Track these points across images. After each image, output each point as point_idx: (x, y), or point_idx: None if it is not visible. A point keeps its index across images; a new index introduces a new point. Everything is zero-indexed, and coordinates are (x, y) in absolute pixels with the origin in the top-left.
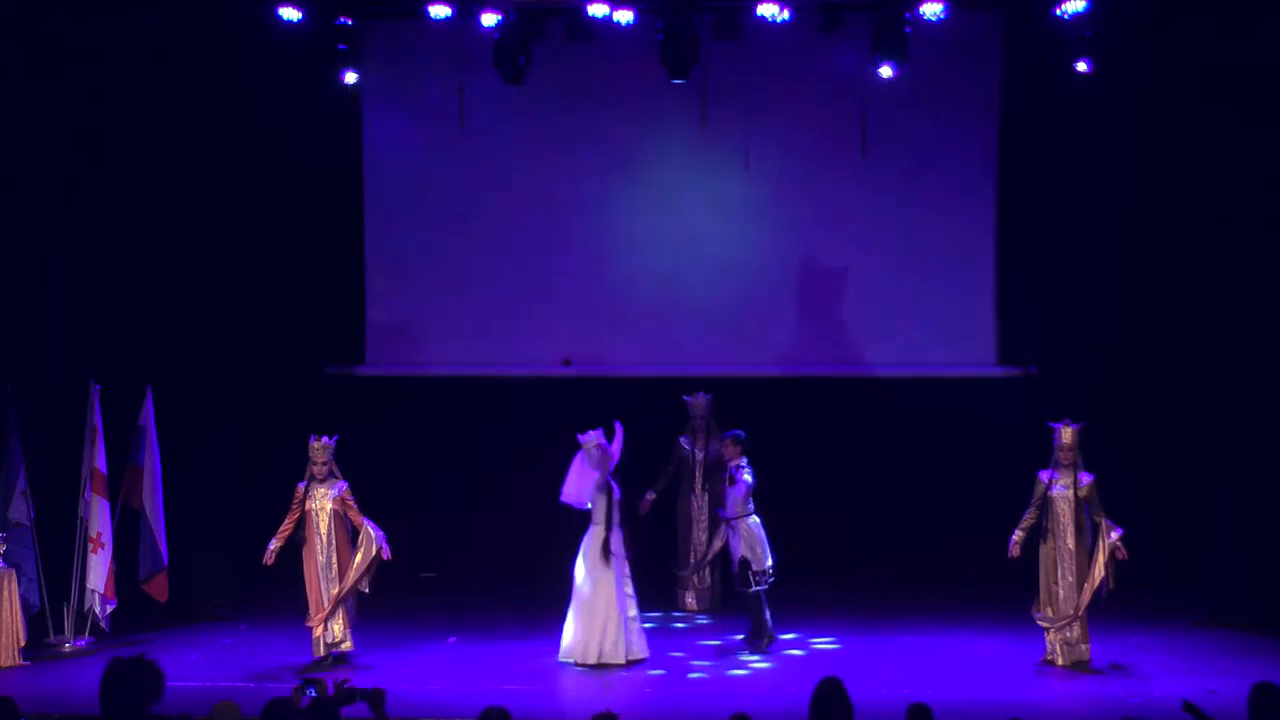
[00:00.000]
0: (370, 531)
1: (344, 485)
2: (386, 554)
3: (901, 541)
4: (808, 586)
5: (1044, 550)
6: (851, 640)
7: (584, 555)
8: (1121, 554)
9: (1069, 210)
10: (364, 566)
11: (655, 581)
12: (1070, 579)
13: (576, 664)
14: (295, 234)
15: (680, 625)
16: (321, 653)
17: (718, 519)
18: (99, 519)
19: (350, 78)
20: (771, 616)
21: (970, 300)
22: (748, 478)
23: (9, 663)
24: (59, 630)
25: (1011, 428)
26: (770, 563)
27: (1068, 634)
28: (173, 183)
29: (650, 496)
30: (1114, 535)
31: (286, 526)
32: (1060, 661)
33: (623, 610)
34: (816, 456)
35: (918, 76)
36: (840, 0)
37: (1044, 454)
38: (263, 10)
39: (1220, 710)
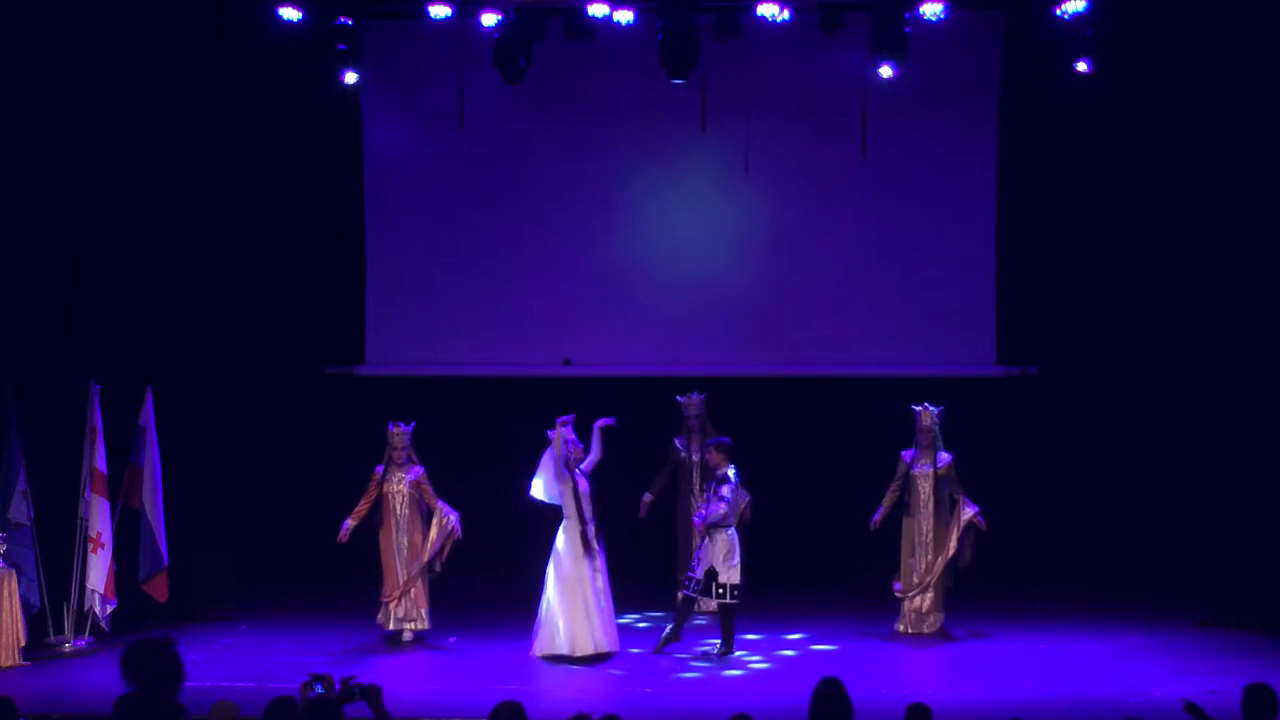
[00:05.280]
0: (444, 513)
1: (421, 470)
2: (459, 534)
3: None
4: (808, 586)
5: (905, 525)
6: (851, 640)
7: (558, 550)
8: (981, 526)
9: (1069, 210)
10: (438, 545)
11: (655, 583)
12: (929, 553)
13: (570, 659)
14: (295, 234)
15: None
16: (392, 626)
17: None
18: (99, 519)
19: (350, 78)
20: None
21: (970, 300)
22: (727, 494)
23: (9, 663)
24: (59, 630)
25: (1011, 428)
26: (739, 579)
27: (918, 603)
28: (172, 182)
29: (647, 499)
30: (970, 511)
31: (362, 508)
32: (908, 630)
33: (598, 603)
34: (816, 457)
35: (918, 76)
36: (840, 0)
37: (1043, 453)
38: (263, 10)
39: (1221, 710)
